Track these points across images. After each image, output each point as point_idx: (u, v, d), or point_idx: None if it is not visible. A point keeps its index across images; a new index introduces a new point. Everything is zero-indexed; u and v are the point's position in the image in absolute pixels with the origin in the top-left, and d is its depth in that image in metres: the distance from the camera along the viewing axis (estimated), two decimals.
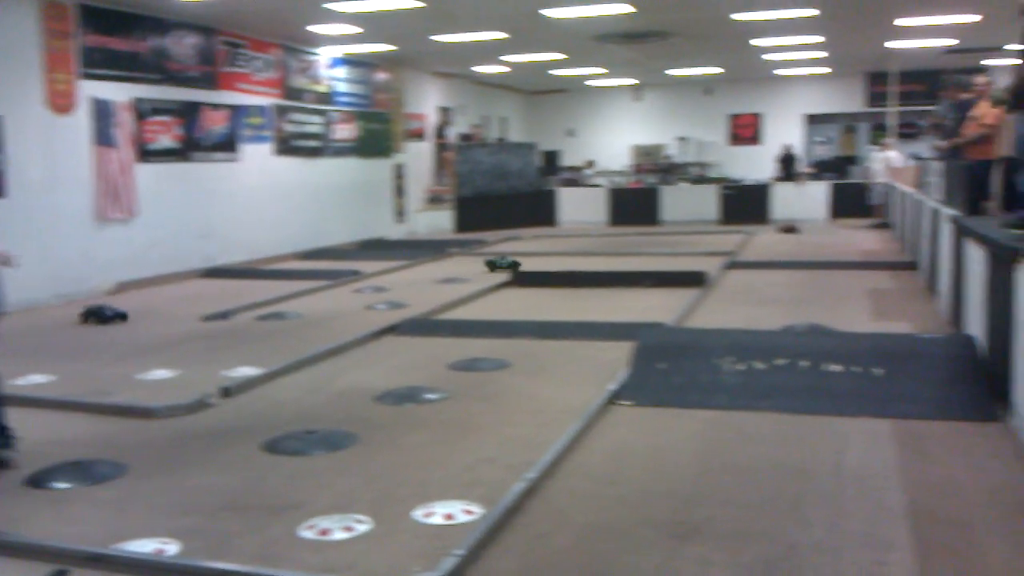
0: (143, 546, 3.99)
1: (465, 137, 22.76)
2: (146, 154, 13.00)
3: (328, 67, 17.63)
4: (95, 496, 4.69)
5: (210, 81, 14.25)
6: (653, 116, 27.52)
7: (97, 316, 9.89)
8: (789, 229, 17.95)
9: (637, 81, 25.90)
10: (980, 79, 10.53)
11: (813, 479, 4.62)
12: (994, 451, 4.93)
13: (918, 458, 4.87)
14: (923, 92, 23.35)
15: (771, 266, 13.01)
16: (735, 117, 27.06)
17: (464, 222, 20.74)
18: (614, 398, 6.12)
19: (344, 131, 18.14)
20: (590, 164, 25.94)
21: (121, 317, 9.95)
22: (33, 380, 7.18)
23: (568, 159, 27.27)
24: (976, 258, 6.90)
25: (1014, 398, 5.30)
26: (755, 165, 25.16)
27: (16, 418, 5.39)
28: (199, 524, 4.25)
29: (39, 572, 3.72)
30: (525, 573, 3.67)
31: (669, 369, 6.34)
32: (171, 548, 3.98)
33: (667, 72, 23.58)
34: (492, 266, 13.14)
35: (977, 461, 4.79)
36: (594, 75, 23.90)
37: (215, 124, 14.37)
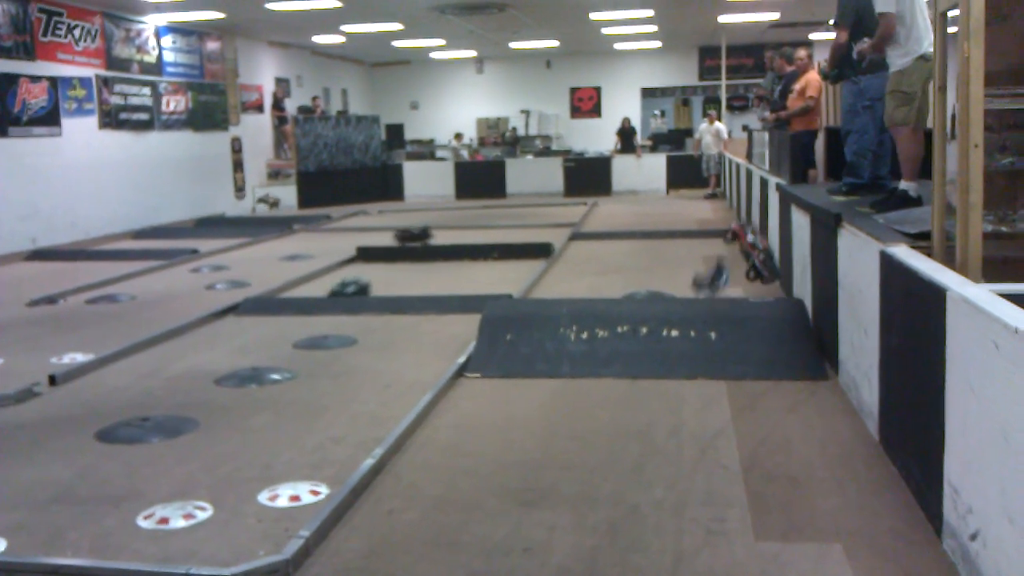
0: None
1: (305, 110, 22.25)
2: None
3: (155, 36, 16.85)
4: None
5: (27, 51, 13.39)
6: (496, 89, 27.63)
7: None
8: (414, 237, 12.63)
9: (475, 53, 25.90)
10: (801, 52, 11.00)
11: (654, 441, 4.76)
12: (823, 408, 5.20)
13: (752, 417, 5.09)
14: (752, 65, 24.34)
15: (613, 236, 13.31)
16: (576, 90, 27.47)
17: (308, 197, 20.32)
18: (462, 371, 6.13)
19: (175, 103, 17.41)
20: (459, 137, 25.71)
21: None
22: None
23: (412, 132, 27.08)
24: (802, 224, 7.24)
25: (840, 357, 5.61)
26: (596, 138, 25.65)
27: None
28: (27, 519, 4.02)
29: None
30: (374, 550, 3.64)
31: (516, 340, 6.39)
32: None
33: (509, 45, 23.68)
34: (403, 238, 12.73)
35: (807, 418, 5.04)
36: (435, 47, 23.75)
37: (34, 97, 13.53)
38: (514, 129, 26.68)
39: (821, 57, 14.49)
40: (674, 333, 6.19)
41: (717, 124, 19.95)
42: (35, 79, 13.53)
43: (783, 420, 5.02)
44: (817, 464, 4.39)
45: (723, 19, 19.61)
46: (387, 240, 12.96)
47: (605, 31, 21.37)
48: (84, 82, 14.71)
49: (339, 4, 15.82)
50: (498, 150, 24.55)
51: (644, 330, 6.25)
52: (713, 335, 6.13)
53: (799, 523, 3.75)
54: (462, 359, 6.26)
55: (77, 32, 14.56)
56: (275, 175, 21.18)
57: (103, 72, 15.23)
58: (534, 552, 3.56)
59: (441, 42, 22.67)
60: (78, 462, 4.75)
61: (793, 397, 5.39)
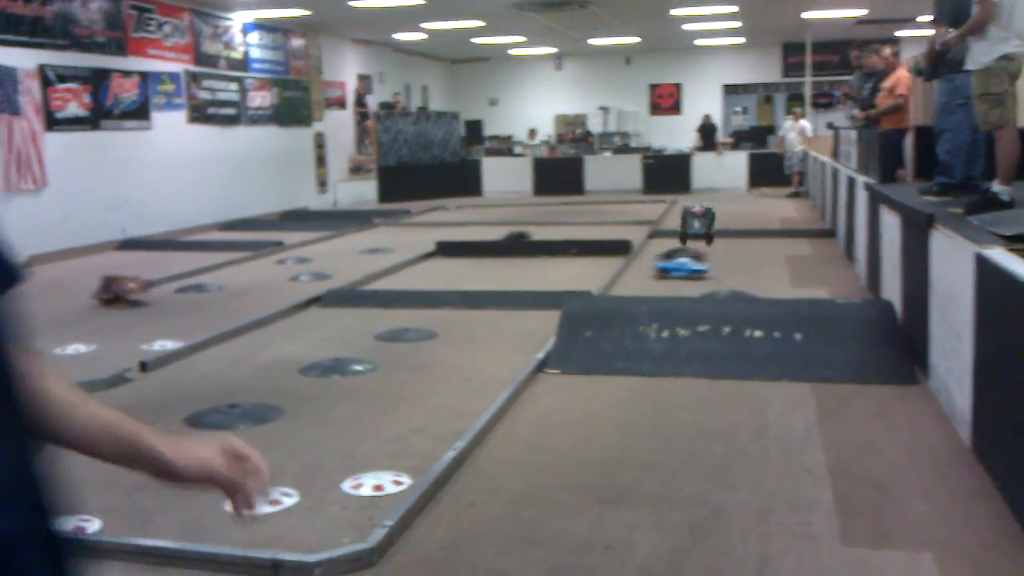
0: (62, 524, 3.86)
1: (386, 106, 22.49)
2: (54, 122, 12.55)
3: (241, 32, 17.21)
4: None
5: (119, 47, 13.79)
6: (575, 86, 27.56)
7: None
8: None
9: (556, 50, 25.86)
10: (888, 50, 10.76)
11: (736, 442, 4.70)
12: (911, 413, 5.07)
13: (838, 420, 4.99)
14: (837, 62, 23.84)
15: None
16: (655, 87, 27.26)
17: (388, 192, 20.55)
18: (541, 366, 6.13)
19: (261, 98, 17.75)
20: (533, 134, 25.69)
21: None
22: None
23: (491, 129, 27.16)
24: (891, 225, 7.07)
25: (930, 361, 5.46)
26: (676, 135, 25.40)
27: None
28: (120, 501, 4.14)
29: None
30: (455, 542, 3.67)
31: (595, 337, 6.37)
32: (92, 526, 3.88)
33: (588, 41, 23.60)
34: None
35: (895, 423, 4.93)
36: (514, 43, 23.79)
37: (125, 91, 13.92)
38: (586, 129, 26.36)
39: (908, 55, 14.14)
40: (757, 333, 6.10)
41: (802, 122, 19.62)
42: (127, 74, 13.92)
43: (871, 424, 4.91)
44: (906, 470, 4.28)
45: (808, 15, 19.25)
46: (466, 235, 13.03)
47: (686, 27, 21.16)
48: (173, 77, 15.09)
49: (421, 1, 15.95)
50: (576, 147, 24.46)
51: (726, 330, 6.17)
52: (798, 336, 6.02)
53: (888, 530, 3.67)
54: (541, 355, 6.26)
55: (167, 28, 14.95)
56: (356, 170, 21.47)
57: (192, 68, 15.60)
58: (615, 550, 3.55)
59: (521, 39, 22.70)
60: None
61: (881, 401, 5.27)
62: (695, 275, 9.40)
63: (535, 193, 21.85)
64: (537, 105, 27.55)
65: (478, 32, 20.93)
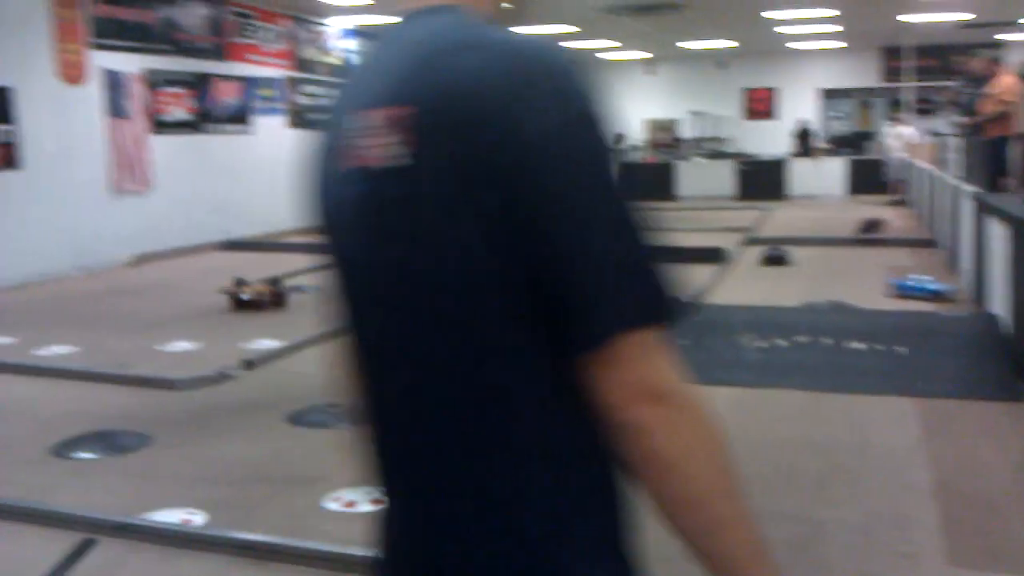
0: (170, 516, 4.01)
1: None
2: (159, 126, 13.00)
3: (340, 39, 17.54)
4: (120, 466, 4.72)
5: (220, 52, 14.20)
6: (667, 90, 27.33)
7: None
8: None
9: (650, 55, 25.69)
10: (993, 55, 10.46)
11: (838, 457, 4.61)
12: (1018, 430, 4.91)
13: (942, 436, 4.86)
14: (938, 68, 23.16)
15: (789, 242, 12.90)
16: (750, 91, 26.86)
17: None
18: None
19: None
20: (619, 139, 25.50)
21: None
22: (55, 351, 7.21)
23: None
24: (999, 235, 6.85)
25: None
26: (771, 140, 24.98)
27: (39, 389, 5.42)
28: (225, 495, 4.27)
29: (66, 541, 3.75)
30: None
31: (690, 346, 6.31)
32: (198, 518, 4.01)
33: (680, 45, 23.39)
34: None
35: (1002, 440, 4.78)
36: (607, 48, 23.72)
37: (227, 96, 14.33)
38: (672, 134, 26.08)
39: (1014, 60, 13.68)
40: (859, 346, 5.98)
41: (902, 128, 19.12)
42: (227, 79, 14.33)
43: (977, 442, 4.77)
44: (1015, 489, 4.15)
45: (908, 18, 18.75)
46: None
47: (781, 30, 20.80)
48: (273, 82, 15.47)
49: (510, 6, 16.04)
50: (668, 152, 24.28)
51: (826, 341, 6.07)
52: (900, 350, 5.88)
53: (996, 551, 3.56)
54: None
55: (267, 34, 15.33)
56: None
57: (291, 73, 15.97)
58: None
59: (613, 43, 22.62)
60: (270, 443, 5.01)
61: (988, 418, 5.11)
62: (936, 296, 8.30)
63: None
64: (628, 109, 27.38)
65: (570, 37, 20.93)
